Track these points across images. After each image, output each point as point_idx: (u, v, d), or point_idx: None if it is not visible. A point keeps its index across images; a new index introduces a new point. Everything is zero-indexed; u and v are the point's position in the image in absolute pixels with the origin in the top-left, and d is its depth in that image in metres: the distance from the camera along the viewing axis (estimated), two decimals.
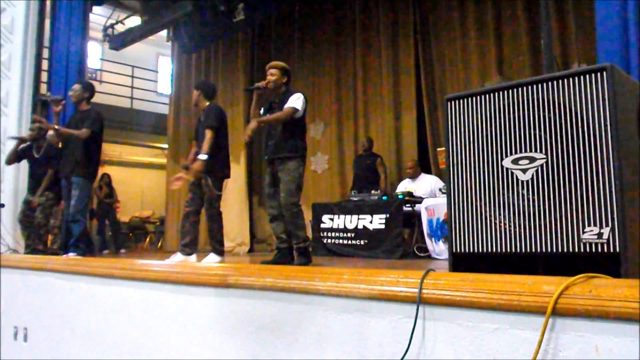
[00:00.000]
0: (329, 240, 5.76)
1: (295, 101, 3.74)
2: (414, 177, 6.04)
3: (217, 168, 4.08)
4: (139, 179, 12.67)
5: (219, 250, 4.13)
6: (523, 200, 1.97)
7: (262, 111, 3.98)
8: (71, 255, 4.61)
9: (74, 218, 4.66)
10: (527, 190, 1.96)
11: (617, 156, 1.76)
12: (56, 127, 4.72)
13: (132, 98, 11.88)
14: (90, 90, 5.07)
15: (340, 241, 5.65)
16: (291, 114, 3.70)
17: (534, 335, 1.70)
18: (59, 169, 5.10)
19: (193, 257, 4.13)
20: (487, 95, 2.13)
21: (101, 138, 4.97)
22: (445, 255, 4.47)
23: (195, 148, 4.27)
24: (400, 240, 5.15)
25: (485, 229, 2.06)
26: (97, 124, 4.78)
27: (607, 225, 1.77)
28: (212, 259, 4.05)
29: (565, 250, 1.85)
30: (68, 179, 4.80)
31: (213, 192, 4.03)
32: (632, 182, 1.84)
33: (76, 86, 5.05)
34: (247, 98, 8.17)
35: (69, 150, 4.89)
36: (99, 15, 8.95)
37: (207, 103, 4.24)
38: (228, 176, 4.19)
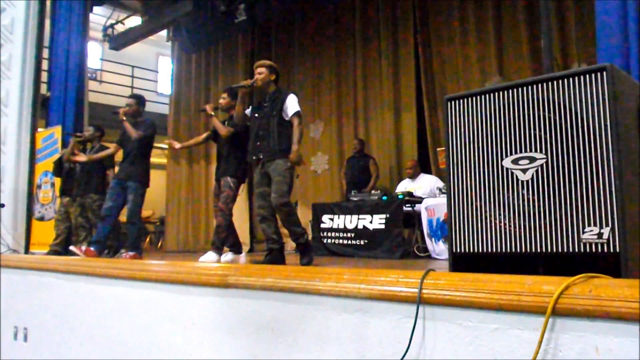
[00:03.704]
0: (329, 240, 5.76)
1: (296, 104, 3.77)
2: (413, 177, 6.04)
3: (239, 170, 4.35)
4: None
5: (219, 249, 4.16)
6: (523, 200, 1.97)
7: (249, 110, 3.99)
8: (130, 254, 4.68)
9: (131, 221, 4.81)
10: (527, 190, 1.96)
11: (617, 156, 1.76)
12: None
13: None
14: (144, 103, 5.25)
15: (340, 241, 5.65)
16: (301, 121, 3.77)
17: (534, 335, 1.70)
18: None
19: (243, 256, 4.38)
20: (487, 95, 2.13)
21: (151, 145, 5.12)
22: (445, 255, 4.47)
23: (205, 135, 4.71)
24: (400, 240, 5.14)
25: (485, 229, 2.06)
26: (149, 130, 4.99)
27: (607, 225, 1.77)
28: (209, 257, 4.08)
29: (565, 250, 1.85)
30: (121, 183, 4.88)
31: (232, 190, 4.24)
32: (632, 182, 1.84)
33: (131, 100, 5.13)
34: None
35: (125, 157, 5.01)
36: (99, 15, 8.94)
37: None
38: (244, 181, 4.44)
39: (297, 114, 3.74)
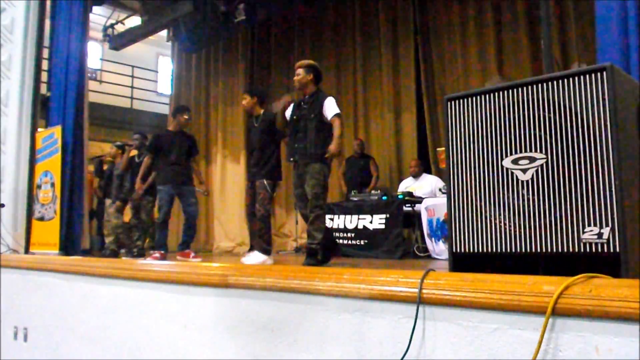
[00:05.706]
0: None
1: (335, 106, 3.74)
2: (416, 175, 6.05)
3: (275, 172, 4.27)
4: None
5: (266, 250, 4.08)
6: (523, 200, 1.97)
7: (290, 109, 3.95)
8: (160, 252, 4.83)
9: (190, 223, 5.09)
10: (527, 190, 1.96)
11: (617, 156, 1.76)
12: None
13: (132, 98, 11.87)
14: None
15: (340, 241, 5.64)
16: (342, 121, 3.76)
17: (534, 335, 1.70)
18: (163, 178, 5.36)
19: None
20: (487, 95, 2.13)
21: None
22: (445, 255, 4.47)
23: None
24: (400, 240, 5.14)
25: (485, 229, 2.06)
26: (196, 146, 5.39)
27: (607, 225, 1.77)
28: (257, 257, 3.99)
29: (565, 250, 1.85)
30: (179, 187, 5.06)
31: (268, 192, 4.17)
32: (632, 182, 1.84)
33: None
34: None
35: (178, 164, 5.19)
36: (99, 15, 8.94)
37: (262, 110, 4.37)
38: (280, 179, 4.38)
39: (337, 115, 3.71)
